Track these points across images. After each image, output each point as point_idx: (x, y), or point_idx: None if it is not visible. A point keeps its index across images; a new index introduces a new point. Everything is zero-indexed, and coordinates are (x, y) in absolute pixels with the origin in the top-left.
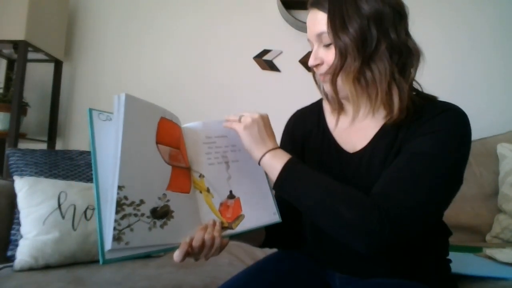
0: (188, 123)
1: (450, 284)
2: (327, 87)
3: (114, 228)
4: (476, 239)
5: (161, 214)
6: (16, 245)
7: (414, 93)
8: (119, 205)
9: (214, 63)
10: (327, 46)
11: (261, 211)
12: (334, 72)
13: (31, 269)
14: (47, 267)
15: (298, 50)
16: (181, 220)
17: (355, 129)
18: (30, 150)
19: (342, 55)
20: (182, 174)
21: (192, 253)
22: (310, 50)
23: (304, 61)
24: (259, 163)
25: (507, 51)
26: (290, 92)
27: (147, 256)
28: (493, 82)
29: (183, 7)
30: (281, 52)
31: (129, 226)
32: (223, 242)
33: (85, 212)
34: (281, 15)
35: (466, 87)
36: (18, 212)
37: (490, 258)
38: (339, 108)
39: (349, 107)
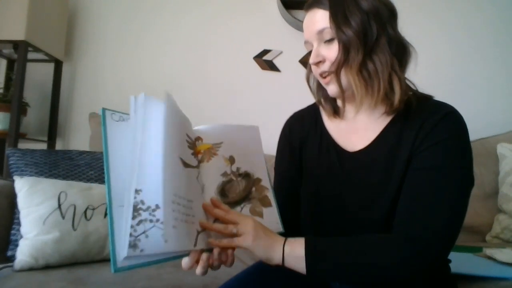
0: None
1: (450, 284)
2: (331, 87)
3: (130, 235)
4: (476, 239)
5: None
6: (16, 245)
7: (410, 92)
8: (136, 210)
9: (214, 63)
10: (329, 42)
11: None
12: (338, 66)
13: (31, 269)
14: (47, 267)
15: (298, 50)
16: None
17: (354, 129)
18: (30, 150)
19: (345, 48)
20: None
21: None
22: (310, 49)
23: (304, 61)
24: (283, 263)
25: (507, 51)
26: (290, 92)
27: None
28: (493, 82)
29: (183, 7)
30: (281, 52)
31: (144, 232)
32: (230, 253)
33: (85, 212)
34: (281, 15)
35: (466, 87)
36: (18, 212)
37: (490, 258)
38: (342, 102)
39: (348, 108)
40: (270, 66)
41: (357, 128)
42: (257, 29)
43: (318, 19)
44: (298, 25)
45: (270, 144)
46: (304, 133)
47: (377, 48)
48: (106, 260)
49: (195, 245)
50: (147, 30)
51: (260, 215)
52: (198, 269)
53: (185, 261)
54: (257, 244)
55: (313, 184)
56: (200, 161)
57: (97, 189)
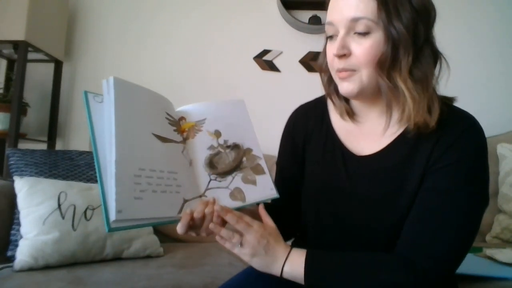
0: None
1: (450, 284)
2: (346, 85)
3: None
4: (476, 239)
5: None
6: (16, 245)
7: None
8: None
9: (214, 63)
10: (361, 35)
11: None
12: (385, 63)
13: (31, 269)
14: (47, 267)
15: (298, 50)
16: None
17: (363, 132)
18: (30, 150)
19: (394, 45)
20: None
21: (193, 226)
22: (310, 50)
23: (304, 61)
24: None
25: (507, 51)
26: (290, 92)
27: (157, 224)
28: (493, 82)
29: (183, 7)
30: (281, 52)
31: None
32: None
33: (85, 212)
34: (281, 15)
35: (466, 87)
36: (18, 212)
37: (490, 258)
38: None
39: (359, 109)
40: (270, 66)
41: (367, 131)
42: (257, 29)
43: (356, 3)
44: (298, 25)
45: (271, 144)
46: (308, 129)
47: (422, 55)
48: (106, 260)
49: (179, 212)
50: (147, 30)
51: (254, 183)
52: (178, 227)
53: (179, 226)
54: (255, 261)
55: (314, 187)
56: (185, 138)
57: (97, 189)
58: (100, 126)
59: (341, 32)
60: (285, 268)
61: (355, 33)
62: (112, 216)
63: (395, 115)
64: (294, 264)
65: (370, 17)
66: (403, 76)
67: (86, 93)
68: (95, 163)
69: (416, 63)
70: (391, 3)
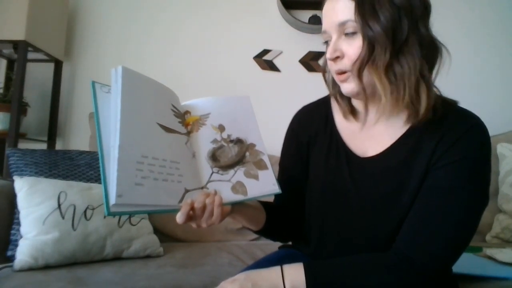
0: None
1: (450, 284)
2: (346, 85)
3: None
4: (476, 239)
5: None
6: (16, 245)
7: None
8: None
9: (214, 63)
10: (350, 35)
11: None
12: (361, 65)
13: (31, 269)
14: (47, 267)
15: (298, 50)
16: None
17: (368, 133)
18: (30, 150)
19: (370, 45)
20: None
21: (193, 216)
22: (310, 49)
23: (304, 61)
24: None
25: (507, 51)
26: (290, 92)
27: (155, 212)
28: (493, 82)
29: (183, 8)
30: (281, 52)
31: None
32: (224, 210)
33: (85, 212)
34: (281, 15)
35: (466, 87)
36: (18, 212)
37: (490, 258)
38: (365, 104)
39: (359, 108)
40: (270, 66)
41: (371, 133)
42: (257, 29)
43: (341, 8)
44: (298, 25)
45: (271, 144)
46: (312, 130)
47: (405, 49)
48: (106, 260)
49: (180, 201)
50: (147, 30)
51: (256, 177)
52: (178, 216)
53: (179, 215)
54: None
55: (318, 189)
56: (189, 131)
57: (97, 189)
58: (105, 114)
59: (333, 37)
60: (286, 286)
61: (345, 34)
62: (112, 200)
63: (373, 110)
64: (294, 281)
65: (354, 19)
66: (377, 73)
67: (93, 83)
68: (98, 149)
69: (400, 57)
70: (367, 4)
